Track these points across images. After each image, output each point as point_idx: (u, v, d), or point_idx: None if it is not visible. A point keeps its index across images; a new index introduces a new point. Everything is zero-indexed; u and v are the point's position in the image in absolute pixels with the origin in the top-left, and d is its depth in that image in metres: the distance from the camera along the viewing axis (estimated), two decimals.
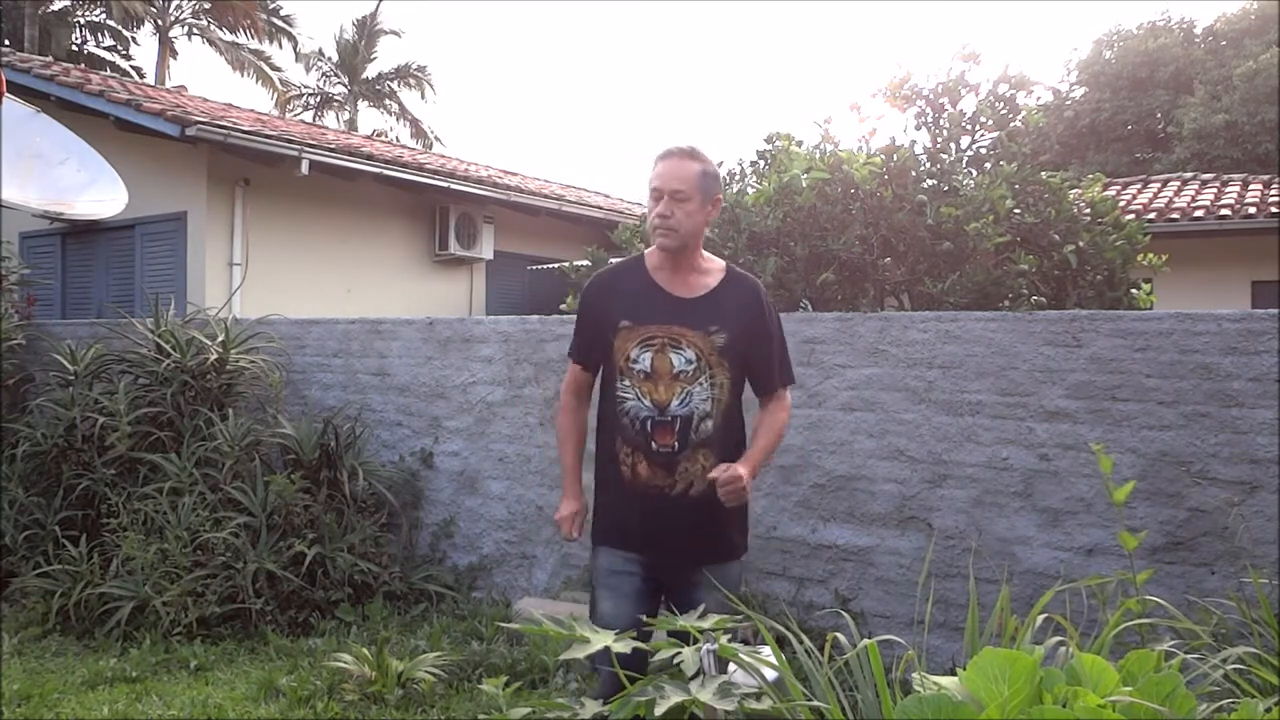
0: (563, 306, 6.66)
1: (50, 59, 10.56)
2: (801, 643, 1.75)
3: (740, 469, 2.36)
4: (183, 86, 12.07)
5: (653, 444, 2.45)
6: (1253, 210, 10.07)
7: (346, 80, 26.66)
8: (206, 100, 10.44)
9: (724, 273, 2.59)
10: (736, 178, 6.47)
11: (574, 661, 3.82)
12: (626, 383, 2.48)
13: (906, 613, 3.97)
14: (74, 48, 21.47)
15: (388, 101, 27.17)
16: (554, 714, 1.66)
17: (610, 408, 2.54)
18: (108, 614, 4.47)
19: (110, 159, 7.76)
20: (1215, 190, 11.46)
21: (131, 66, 22.40)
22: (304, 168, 8.10)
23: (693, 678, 1.52)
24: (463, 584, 5.06)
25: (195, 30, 22.57)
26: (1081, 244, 5.44)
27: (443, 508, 5.26)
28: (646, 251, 2.63)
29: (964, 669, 1.22)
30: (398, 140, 22.95)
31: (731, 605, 2.41)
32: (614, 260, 6.25)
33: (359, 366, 5.62)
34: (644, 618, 2.31)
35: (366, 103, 27.16)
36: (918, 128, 6.17)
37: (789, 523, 4.27)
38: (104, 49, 22.51)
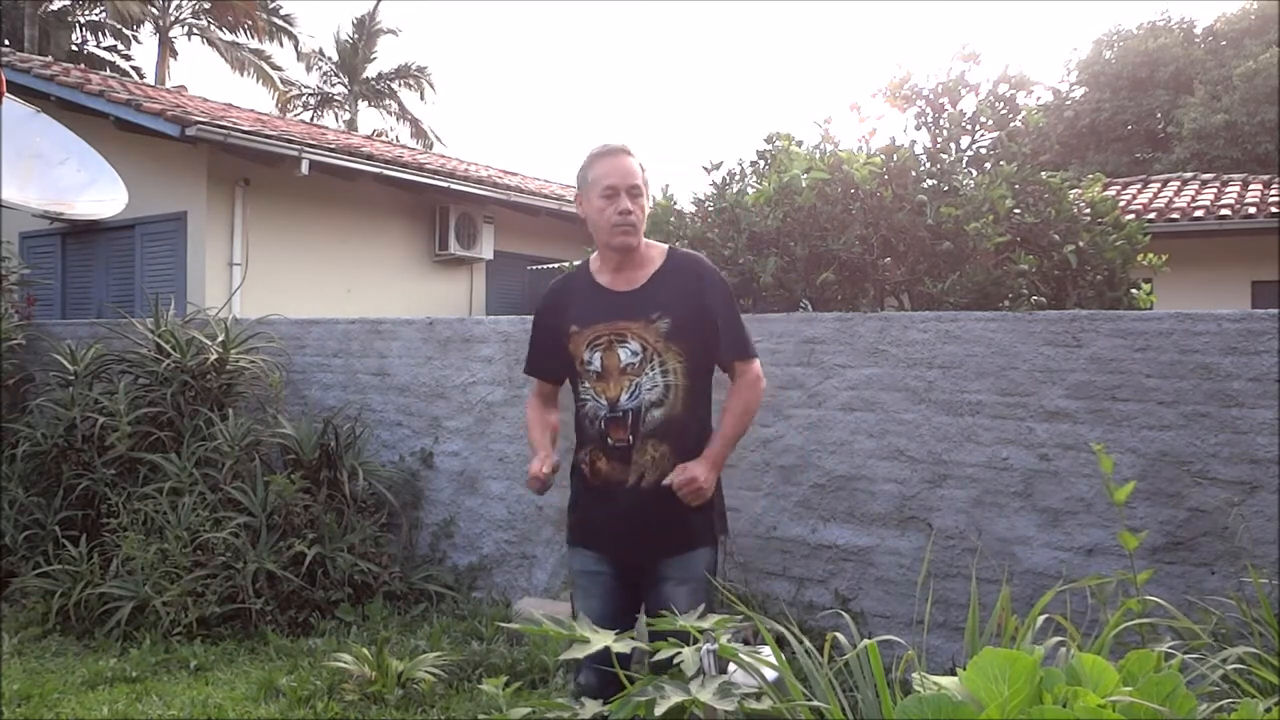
0: None
1: (50, 59, 10.56)
2: (801, 643, 1.74)
3: (696, 469, 2.38)
4: (183, 86, 12.07)
5: (608, 440, 2.48)
6: (1253, 210, 10.07)
7: (346, 80, 26.68)
8: (206, 100, 10.44)
9: (664, 257, 2.57)
10: (736, 178, 6.47)
11: (572, 661, 3.83)
12: (585, 385, 2.53)
13: (906, 613, 3.97)
14: (74, 48, 21.47)
15: (387, 101, 27.19)
16: (554, 714, 1.66)
17: (578, 413, 2.59)
18: (108, 614, 4.47)
19: (110, 159, 7.76)
20: (1215, 190, 11.47)
21: (131, 66, 22.42)
22: (304, 168, 8.10)
23: (693, 678, 1.52)
24: (463, 584, 5.07)
25: (195, 30, 22.59)
26: (1081, 244, 5.43)
27: (443, 508, 5.26)
28: (590, 256, 2.66)
29: (964, 669, 1.22)
30: (398, 140, 22.95)
31: (705, 594, 2.42)
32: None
33: (359, 366, 5.62)
34: (624, 614, 2.38)
35: (366, 103, 27.18)
36: (918, 128, 6.17)
37: (789, 523, 4.27)
38: (104, 49, 22.54)
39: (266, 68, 23.38)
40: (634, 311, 2.48)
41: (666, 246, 2.64)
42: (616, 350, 2.47)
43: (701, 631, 1.63)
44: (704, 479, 2.39)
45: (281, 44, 24.41)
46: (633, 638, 1.63)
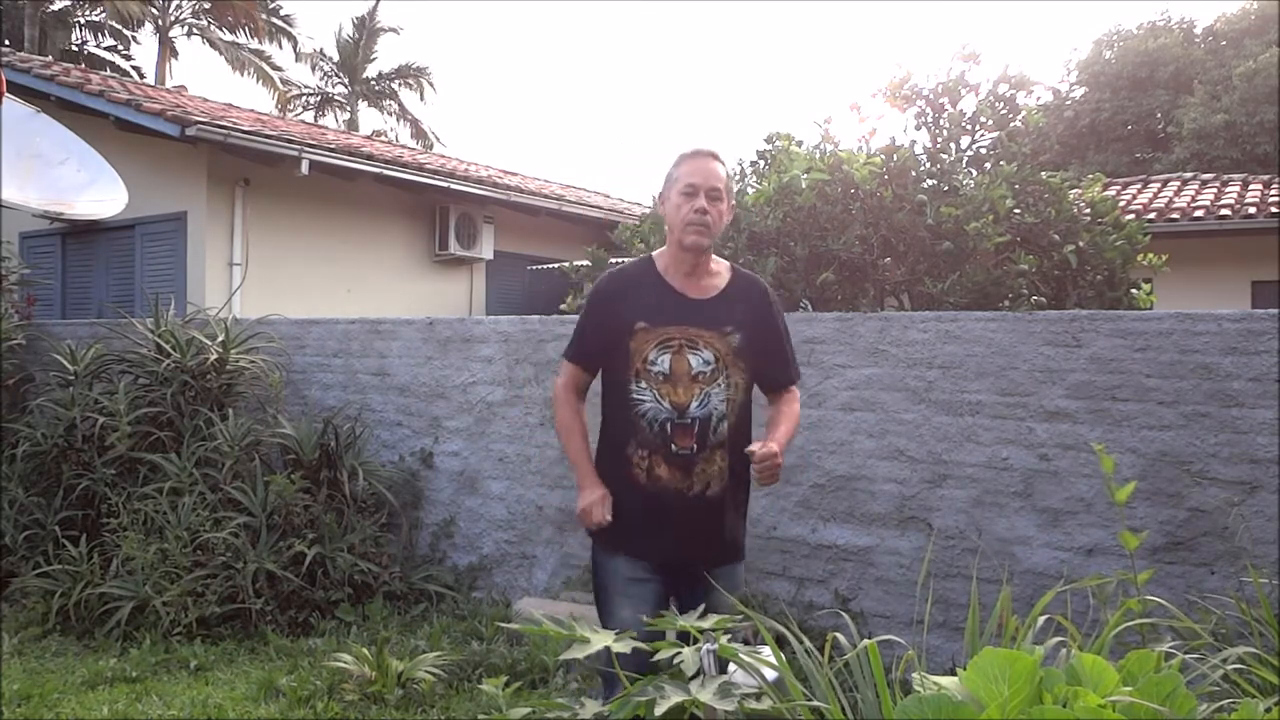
0: (563, 306, 6.66)
1: (50, 59, 10.56)
2: (801, 643, 1.74)
3: (774, 446, 2.37)
4: (183, 86, 12.07)
5: (672, 446, 2.44)
6: (1253, 210, 10.07)
7: (347, 80, 26.67)
8: (206, 100, 10.44)
9: (731, 273, 2.61)
10: (736, 178, 6.47)
11: (574, 661, 3.83)
12: (643, 384, 2.46)
13: (906, 613, 3.97)
14: (74, 48, 21.48)
15: (388, 101, 27.18)
16: (554, 714, 1.66)
17: (621, 412, 2.51)
18: (108, 614, 4.47)
19: (110, 159, 7.76)
20: (1215, 190, 11.46)
21: (131, 66, 22.41)
22: (304, 168, 8.10)
23: (693, 678, 1.52)
24: (463, 584, 5.06)
25: (195, 30, 22.58)
26: (1081, 244, 5.44)
27: (443, 508, 5.26)
28: (654, 254, 2.62)
29: (964, 669, 1.22)
30: (397, 140, 22.95)
31: (735, 607, 2.42)
32: (616, 261, 6.25)
33: (359, 366, 5.62)
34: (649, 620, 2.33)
35: (366, 103, 27.17)
36: (918, 128, 6.17)
37: (789, 523, 4.27)
38: (104, 49, 22.53)
39: (266, 68, 23.37)
40: (709, 321, 2.48)
41: (728, 263, 2.65)
42: (687, 356, 2.44)
43: (701, 631, 1.63)
44: (780, 457, 2.39)
45: (281, 44, 24.41)
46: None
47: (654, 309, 2.48)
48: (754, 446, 2.36)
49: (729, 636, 1.64)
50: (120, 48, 22.82)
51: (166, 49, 21.97)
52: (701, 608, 1.77)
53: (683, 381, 2.43)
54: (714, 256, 2.62)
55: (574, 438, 2.61)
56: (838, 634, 1.95)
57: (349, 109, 26.88)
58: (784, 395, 2.64)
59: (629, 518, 2.50)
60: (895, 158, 5.50)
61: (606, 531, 2.53)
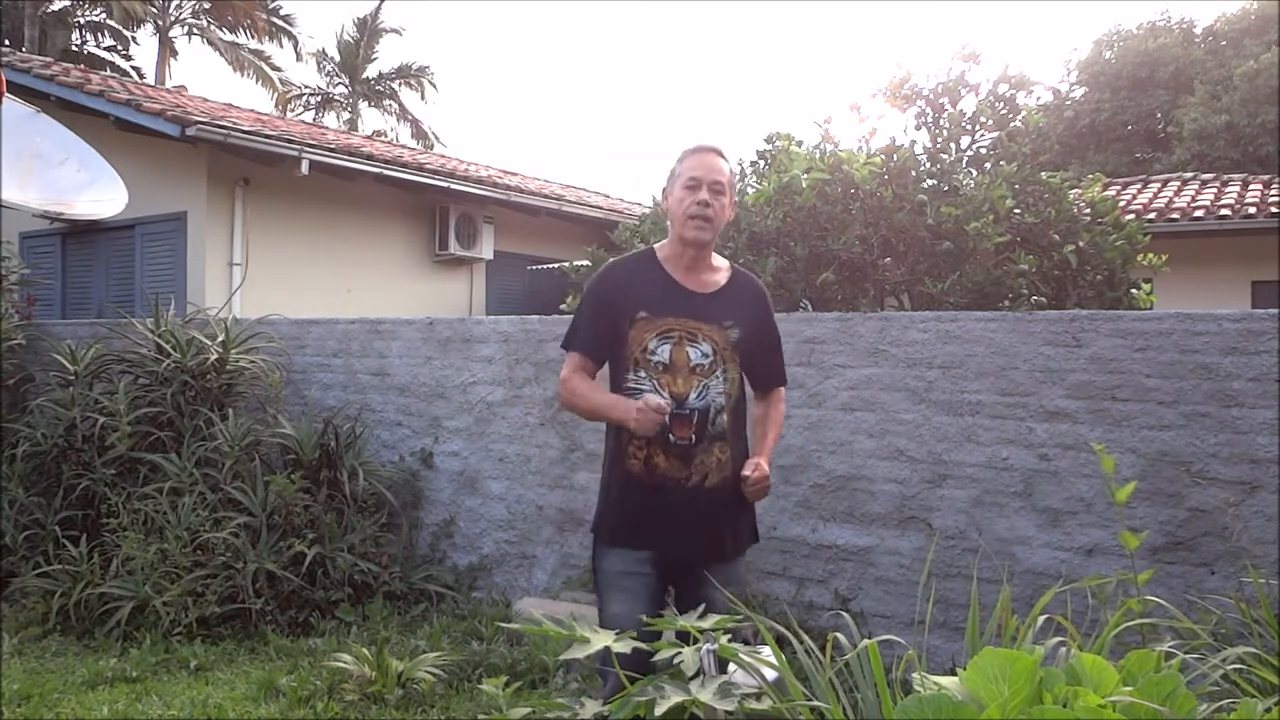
0: (563, 306, 6.67)
1: (50, 59, 10.56)
2: (802, 643, 1.74)
3: (765, 466, 2.43)
4: (183, 86, 12.07)
5: (670, 436, 2.44)
6: (1253, 210, 10.07)
7: (347, 80, 26.67)
8: (206, 100, 10.44)
9: (730, 271, 2.64)
10: (737, 178, 6.47)
11: (574, 661, 3.83)
12: (642, 374, 2.47)
13: (906, 613, 3.97)
14: (74, 48, 21.47)
15: (388, 102, 27.18)
16: (554, 714, 1.66)
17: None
18: (108, 614, 4.47)
19: (110, 159, 7.76)
20: (1215, 190, 11.46)
21: (131, 66, 22.40)
22: (304, 168, 8.10)
23: (693, 678, 1.52)
24: (463, 584, 5.07)
25: (195, 30, 22.58)
26: (1081, 244, 5.44)
27: (443, 508, 5.26)
28: (655, 245, 2.65)
29: (964, 669, 1.22)
30: (398, 140, 22.95)
31: (735, 604, 2.42)
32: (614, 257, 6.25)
33: (359, 366, 5.63)
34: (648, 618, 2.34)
35: (367, 103, 27.17)
36: (918, 128, 6.17)
37: (789, 523, 4.27)
38: (104, 49, 22.52)
39: (266, 68, 23.37)
40: (709, 314, 2.50)
41: (728, 262, 2.68)
42: (686, 348, 2.46)
43: (701, 631, 1.63)
44: (767, 474, 2.45)
45: (281, 44, 24.39)
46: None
47: (656, 299, 2.50)
48: (747, 470, 2.42)
49: (729, 636, 1.64)
50: (120, 48, 22.82)
51: (166, 49, 21.97)
52: (702, 607, 1.77)
53: (682, 372, 2.45)
54: (714, 254, 2.64)
55: (593, 390, 2.54)
56: (838, 634, 1.95)
57: (350, 109, 26.88)
58: (772, 396, 2.68)
59: (625, 508, 2.51)
60: (895, 158, 5.50)
61: (602, 524, 2.56)
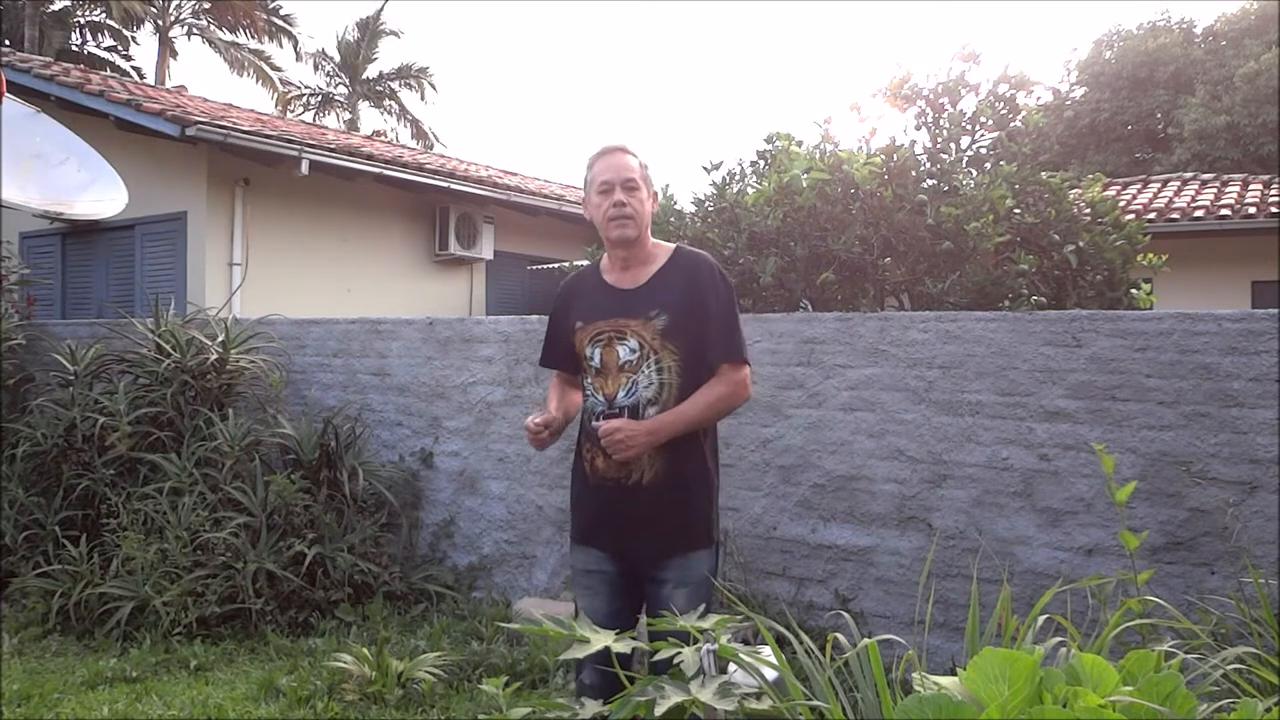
0: None
1: (50, 59, 10.56)
2: (801, 642, 1.74)
3: (624, 424, 2.38)
4: (183, 86, 12.07)
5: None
6: (1253, 210, 10.07)
7: (347, 80, 26.66)
8: (206, 100, 10.44)
9: (670, 255, 2.58)
10: (736, 178, 6.47)
11: (573, 661, 3.83)
12: (588, 380, 2.56)
13: (906, 613, 3.97)
14: (74, 48, 21.47)
15: (388, 102, 27.17)
16: (554, 714, 1.66)
17: (582, 410, 2.64)
18: (108, 614, 4.47)
19: (110, 159, 7.76)
20: (1215, 190, 11.47)
21: (131, 66, 22.40)
22: (304, 168, 8.10)
23: (693, 678, 1.52)
24: (463, 584, 5.06)
25: (195, 30, 22.57)
26: (1081, 244, 5.44)
27: (443, 508, 5.26)
28: (602, 256, 2.69)
29: (964, 669, 1.22)
30: (398, 140, 22.94)
31: (706, 596, 2.43)
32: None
33: (359, 366, 5.62)
34: (626, 613, 2.42)
35: (367, 103, 27.16)
36: (918, 128, 6.17)
37: (789, 523, 4.27)
38: (103, 49, 22.52)
39: (266, 68, 23.37)
40: (633, 309, 2.49)
41: (674, 246, 2.63)
42: (616, 347, 2.49)
43: (701, 631, 1.63)
44: (628, 434, 2.37)
45: (281, 44, 24.39)
46: (633, 637, 1.63)
47: (587, 307, 2.58)
48: (600, 422, 2.44)
49: (729, 636, 1.64)
50: (120, 48, 22.82)
51: (166, 49, 21.97)
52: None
53: (612, 372, 2.48)
54: (656, 241, 2.62)
55: (549, 397, 2.74)
56: (838, 634, 1.95)
57: (350, 109, 26.88)
58: (717, 375, 2.49)
59: (582, 510, 2.61)
60: (895, 158, 5.50)
61: (572, 525, 2.67)
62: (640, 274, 2.56)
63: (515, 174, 12.19)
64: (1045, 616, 1.95)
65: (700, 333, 2.47)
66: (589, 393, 2.56)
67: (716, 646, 1.60)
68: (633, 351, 2.47)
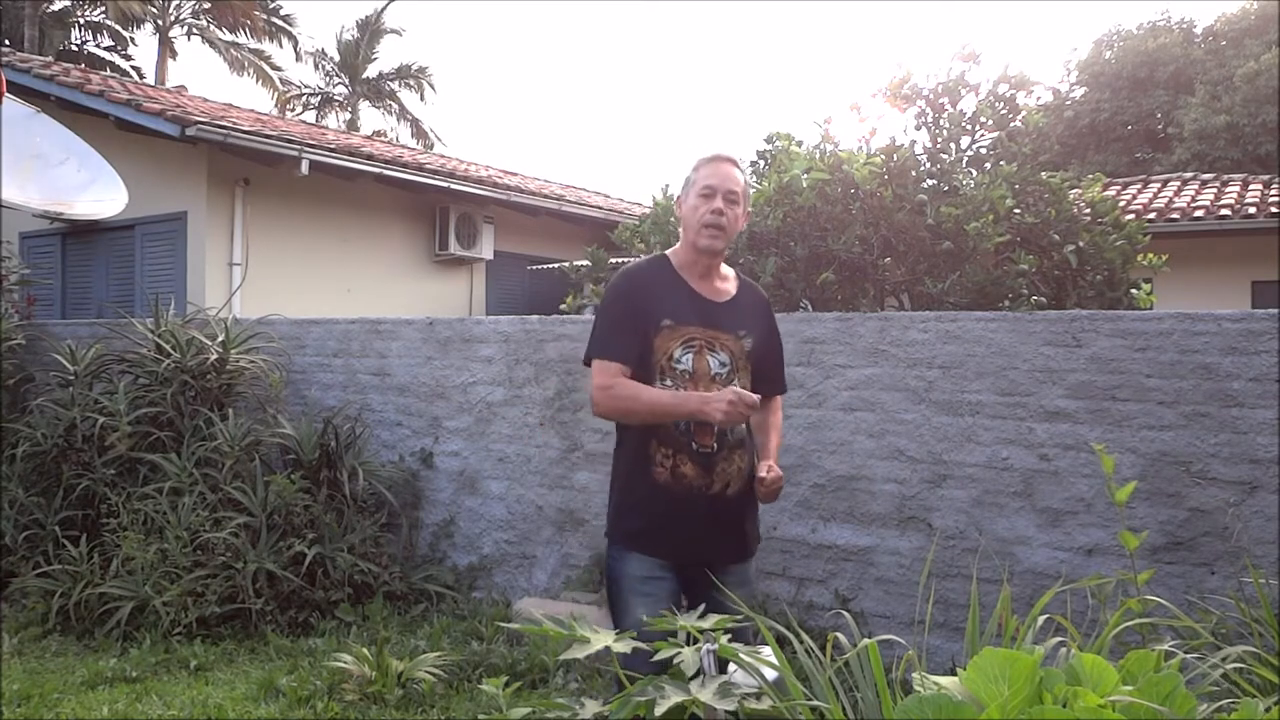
0: (563, 306, 6.66)
1: (50, 59, 10.56)
2: (802, 642, 1.74)
3: (778, 469, 2.48)
4: (183, 86, 12.07)
5: (694, 444, 2.46)
6: (1253, 210, 10.07)
7: (347, 80, 26.66)
8: (206, 100, 10.44)
9: (737, 279, 2.67)
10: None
11: (574, 661, 3.83)
12: (668, 383, 2.46)
13: (906, 613, 3.97)
14: (73, 48, 21.47)
15: (388, 102, 27.16)
16: (554, 714, 1.66)
17: None
18: (108, 614, 4.47)
19: (110, 159, 7.76)
20: (1215, 190, 11.46)
21: (131, 66, 22.41)
22: (304, 168, 8.10)
23: (693, 678, 1.52)
24: (463, 584, 5.06)
25: (195, 30, 22.57)
26: (1081, 244, 5.43)
27: (443, 508, 5.26)
28: (668, 252, 2.63)
29: (964, 669, 1.22)
30: (398, 140, 22.94)
31: (754, 597, 2.56)
32: (617, 261, 6.24)
33: (359, 366, 5.62)
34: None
35: (367, 103, 27.16)
36: (918, 128, 6.16)
37: (789, 523, 4.27)
38: (103, 49, 22.52)
39: (266, 68, 23.36)
40: (725, 323, 2.53)
41: (732, 269, 2.70)
42: (707, 357, 2.48)
43: (701, 631, 1.63)
44: (779, 479, 2.49)
45: (281, 44, 24.39)
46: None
47: (678, 308, 2.50)
48: (762, 471, 2.45)
49: (730, 636, 1.64)
50: (120, 48, 22.82)
51: (166, 49, 21.97)
52: (704, 606, 1.77)
53: (703, 381, 2.46)
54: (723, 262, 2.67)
55: (641, 392, 2.44)
56: (838, 634, 1.95)
57: (350, 109, 26.87)
58: (774, 403, 2.70)
59: (646, 514, 2.50)
60: (895, 158, 5.49)
61: (623, 529, 2.52)
62: (721, 289, 2.58)
63: (515, 174, 12.20)
64: (1045, 616, 1.95)
65: (765, 363, 2.62)
66: None
67: (716, 646, 1.60)
68: (723, 365, 2.49)
